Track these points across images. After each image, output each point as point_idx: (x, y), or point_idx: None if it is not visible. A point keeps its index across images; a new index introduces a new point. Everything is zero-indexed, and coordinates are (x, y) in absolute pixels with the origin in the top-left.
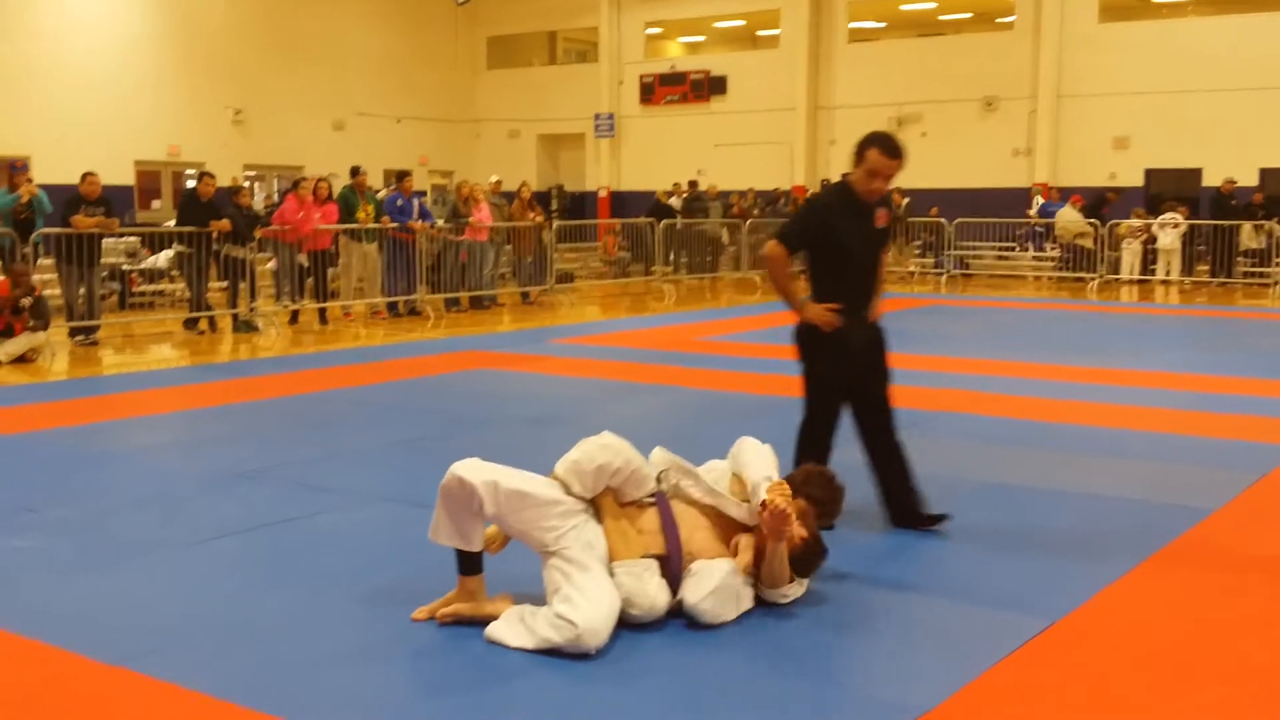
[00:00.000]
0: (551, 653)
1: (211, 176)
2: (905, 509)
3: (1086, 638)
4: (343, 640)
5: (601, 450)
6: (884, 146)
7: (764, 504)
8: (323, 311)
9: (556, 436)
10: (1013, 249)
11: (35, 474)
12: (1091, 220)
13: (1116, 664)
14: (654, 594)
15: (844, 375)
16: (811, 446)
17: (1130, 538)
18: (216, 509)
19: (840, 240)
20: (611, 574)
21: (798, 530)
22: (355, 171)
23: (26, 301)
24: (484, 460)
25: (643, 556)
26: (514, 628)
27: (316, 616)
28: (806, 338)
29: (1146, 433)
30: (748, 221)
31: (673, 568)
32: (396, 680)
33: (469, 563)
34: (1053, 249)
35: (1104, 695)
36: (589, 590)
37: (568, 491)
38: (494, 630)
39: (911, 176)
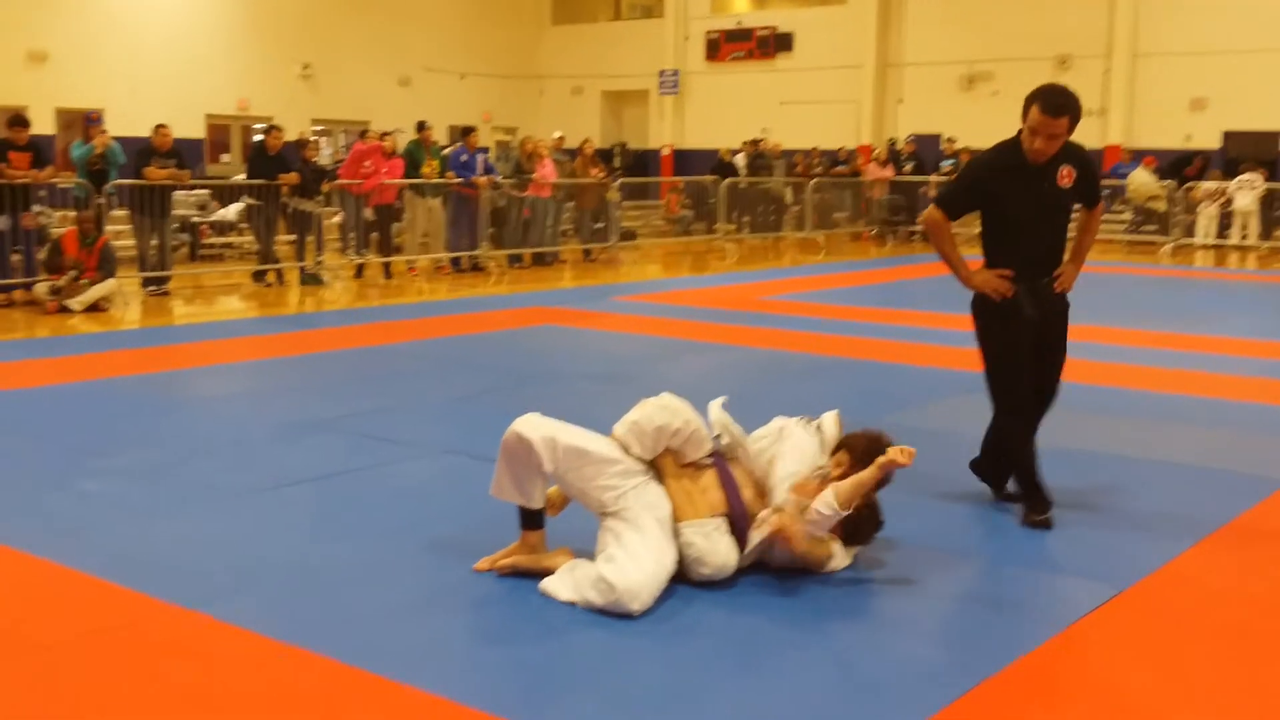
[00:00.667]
0: (599, 611)
1: (279, 130)
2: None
3: (1156, 606)
4: (407, 588)
5: (661, 411)
6: (1045, 101)
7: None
8: (387, 266)
9: (620, 393)
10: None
11: (109, 420)
12: (1165, 182)
13: (1184, 633)
14: (725, 552)
15: (1022, 349)
16: (1006, 436)
17: (1205, 506)
18: (285, 457)
19: (1003, 202)
20: (678, 534)
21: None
22: (421, 126)
23: (62, 280)
24: (544, 416)
25: (710, 516)
26: (564, 582)
27: (383, 564)
28: (977, 309)
29: (1223, 400)
30: (812, 181)
31: (738, 526)
32: (457, 629)
33: (531, 518)
34: (1123, 211)
35: (1168, 664)
36: (636, 551)
37: (627, 453)
38: (548, 584)
39: (983, 135)
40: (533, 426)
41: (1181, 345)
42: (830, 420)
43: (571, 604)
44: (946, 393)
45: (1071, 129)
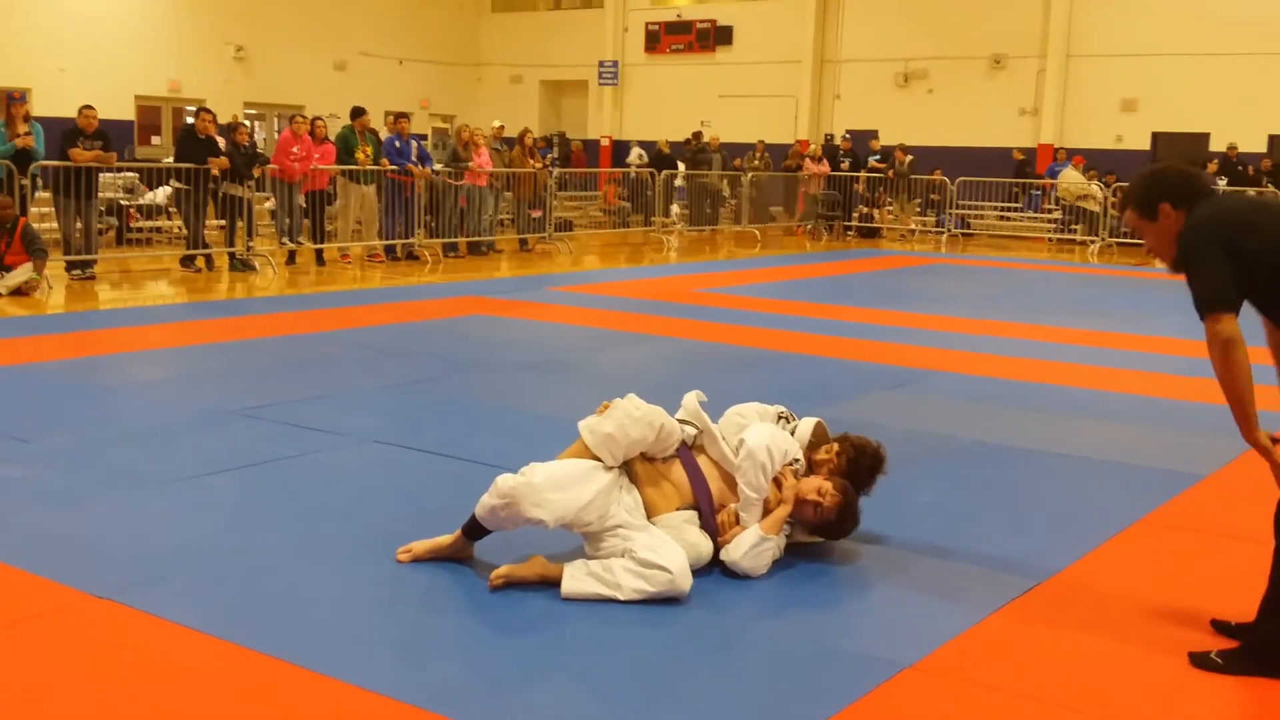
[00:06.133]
0: (649, 599)
1: (209, 112)
2: None
3: (1073, 598)
4: (331, 579)
5: (635, 424)
6: None
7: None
8: (319, 253)
9: (555, 384)
10: (1018, 208)
11: (31, 405)
12: (1095, 182)
13: (1101, 623)
14: (693, 543)
15: None
16: None
17: (1122, 501)
18: (211, 445)
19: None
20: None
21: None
22: (359, 112)
23: None
24: (538, 472)
25: (679, 509)
26: (588, 583)
27: (307, 554)
28: None
29: (1144, 397)
30: (749, 175)
31: (706, 517)
32: (380, 621)
33: (481, 533)
34: (1053, 210)
35: (1085, 654)
36: (662, 540)
37: (600, 462)
38: (571, 588)
39: (916, 134)
40: (548, 508)
41: (1105, 343)
42: (807, 423)
43: (605, 600)
44: (874, 386)
45: (1142, 216)
